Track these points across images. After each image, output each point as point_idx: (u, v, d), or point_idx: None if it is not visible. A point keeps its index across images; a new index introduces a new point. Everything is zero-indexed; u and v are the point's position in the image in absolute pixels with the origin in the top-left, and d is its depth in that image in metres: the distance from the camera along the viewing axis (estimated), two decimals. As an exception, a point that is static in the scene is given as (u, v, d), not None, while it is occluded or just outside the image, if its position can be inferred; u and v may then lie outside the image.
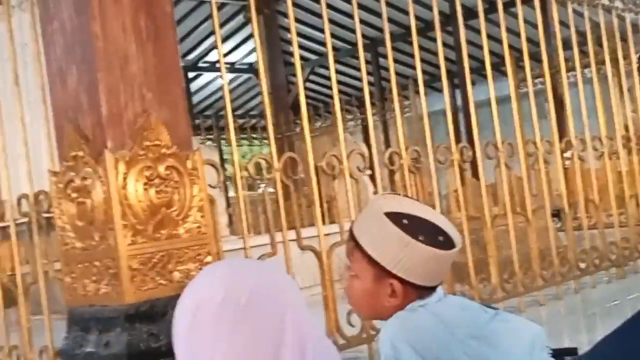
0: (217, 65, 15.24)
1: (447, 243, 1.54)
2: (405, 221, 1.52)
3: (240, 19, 12.67)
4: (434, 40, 4.10)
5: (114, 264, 2.24)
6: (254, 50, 14.28)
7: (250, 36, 13.83)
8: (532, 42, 4.73)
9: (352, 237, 1.57)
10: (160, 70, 2.35)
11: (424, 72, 3.91)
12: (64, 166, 2.36)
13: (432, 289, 1.59)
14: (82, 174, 2.29)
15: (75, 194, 2.33)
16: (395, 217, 1.53)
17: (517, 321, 1.65)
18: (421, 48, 3.91)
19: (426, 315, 1.55)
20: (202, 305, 1.10)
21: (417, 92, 11.06)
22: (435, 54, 4.06)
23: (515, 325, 1.63)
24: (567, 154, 4.68)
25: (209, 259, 2.37)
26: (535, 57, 5.59)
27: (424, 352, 1.49)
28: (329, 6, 3.63)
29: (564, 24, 4.75)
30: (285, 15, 13.35)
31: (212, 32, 13.87)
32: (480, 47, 4.29)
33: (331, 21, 3.48)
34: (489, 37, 4.26)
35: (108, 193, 2.22)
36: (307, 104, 3.46)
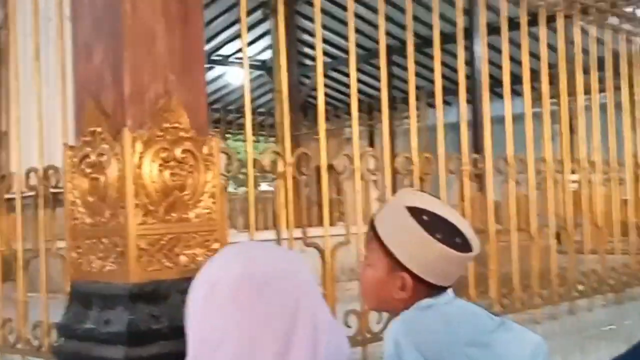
0: (230, 59, 15.27)
1: (463, 246, 1.55)
2: (425, 217, 1.54)
3: (257, 15, 12.69)
4: (449, 53, 4.11)
5: (122, 242, 2.24)
6: (268, 47, 14.32)
7: (265, 33, 13.87)
8: (549, 64, 4.73)
9: (372, 226, 1.60)
10: (185, 53, 2.35)
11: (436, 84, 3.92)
12: (81, 141, 2.36)
13: (442, 290, 1.60)
14: (99, 150, 2.29)
15: (89, 170, 2.33)
16: (416, 212, 1.54)
17: (521, 331, 1.66)
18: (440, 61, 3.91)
19: (434, 316, 1.56)
20: (219, 280, 1.11)
21: (428, 104, 11.03)
22: (449, 67, 4.06)
23: (518, 335, 1.64)
24: (575, 177, 4.68)
25: (216, 245, 2.36)
26: (551, 79, 5.61)
27: (427, 354, 1.50)
28: (344, 8, 3.62)
29: (583, 50, 4.77)
30: (303, 15, 13.41)
31: (227, 27, 13.91)
32: (494, 64, 4.30)
33: (347, 25, 3.49)
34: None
35: (123, 171, 2.22)
36: (316, 106, 3.46)
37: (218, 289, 1.10)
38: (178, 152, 2.28)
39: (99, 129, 2.29)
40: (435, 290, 1.59)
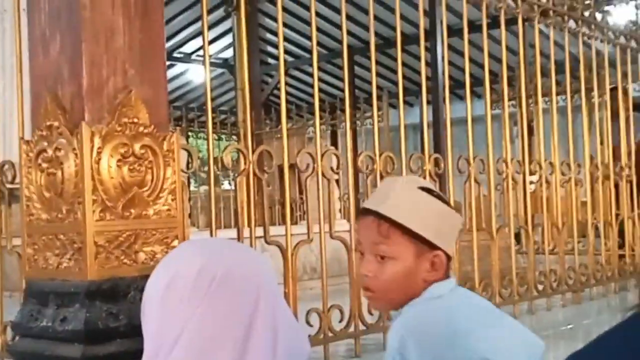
0: (192, 57, 15.17)
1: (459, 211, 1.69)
2: (435, 193, 1.59)
3: (219, 12, 12.61)
4: (409, 53, 4.12)
5: (79, 239, 2.20)
6: (230, 45, 14.25)
7: (228, 31, 13.79)
8: (508, 66, 4.77)
9: (385, 219, 1.55)
10: (145, 48, 2.32)
11: (397, 84, 3.92)
12: (37, 135, 2.31)
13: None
14: (56, 145, 2.24)
15: (46, 164, 2.28)
16: (428, 190, 1.59)
17: (520, 329, 1.66)
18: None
19: (438, 309, 1.55)
20: (177, 276, 1.09)
21: (391, 104, 11.10)
22: (411, 68, 4.08)
23: (518, 333, 1.64)
24: (534, 178, 4.73)
25: (176, 243, 2.33)
26: (510, 82, 5.67)
27: (429, 348, 1.49)
28: (308, 8, 3.61)
29: (542, 52, 4.81)
30: (265, 14, 13.39)
31: (189, 24, 13.83)
32: (455, 66, 4.32)
33: (310, 24, 3.47)
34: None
35: (80, 166, 2.17)
36: (279, 104, 3.44)
37: (175, 286, 1.07)
38: (137, 147, 2.25)
39: (56, 123, 2.24)
40: (448, 265, 1.62)
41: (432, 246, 1.56)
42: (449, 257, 1.60)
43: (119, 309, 2.20)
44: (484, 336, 1.52)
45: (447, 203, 1.60)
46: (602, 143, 5.53)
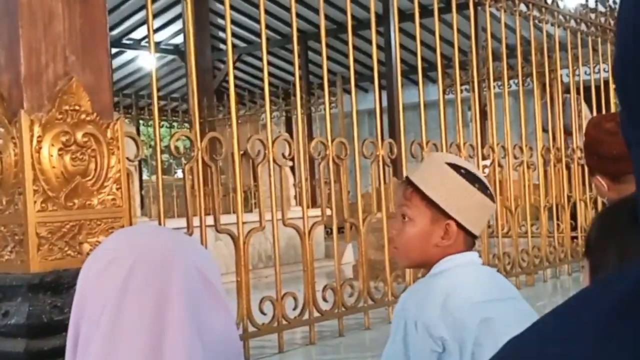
0: (142, 43, 14.97)
1: (492, 197, 1.76)
2: (463, 171, 1.74)
3: (170, -2, 12.45)
4: (363, 38, 4.09)
5: (20, 230, 2.13)
6: (180, 31, 14.08)
7: (178, 17, 13.62)
8: (461, 50, 4.77)
9: (409, 184, 1.75)
10: (86, 33, 2.25)
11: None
12: (-25, 124, 2.23)
13: (472, 242, 1.76)
14: (-6, 134, 2.16)
15: (-16, 154, 2.20)
16: (455, 167, 1.75)
17: (528, 313, 1.73)
18: (352, 46, 3.87)
19: (440, 284, 1.70)
20: (114, 261, 1.04)
21: (345, 90, 11.06)
22: (364, 53, 4.05)
23: (521, 315, 1.69)
24: (487, 162, 4.75)
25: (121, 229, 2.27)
26: (462, 66, 5.68)
27: (427, 322, 1.65)
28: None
29: (493, 36, 4.82)
30: (217, -1, 13.23)
31: (139, 9, 13.62)
32: (409, 51, 4.30)
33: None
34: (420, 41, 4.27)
35: (20, 156, 2.10)
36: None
37: (112, 268, 1.02)
38: (79, 135, 2.18)
39: (-7, 112, 2.16)
40: (469, 238, 1.74)
41: (448, 216, 1.71)
42: (466, 231, 1.73)
43: (63, 302, 2.14)
44: (486, 315, 1.64)
45: (476, 183, 1.73)
46: (544, 130, 5.55)
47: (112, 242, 1.07)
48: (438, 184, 1.74)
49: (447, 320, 1.64)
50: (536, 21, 5.04)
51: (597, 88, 5.60)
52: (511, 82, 6.23)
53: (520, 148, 4.78)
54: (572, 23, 5.37)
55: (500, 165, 4.62)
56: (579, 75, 5.63)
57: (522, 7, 4.87)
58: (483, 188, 1.73)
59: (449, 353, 1.64)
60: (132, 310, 1.00)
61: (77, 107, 2.18)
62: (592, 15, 5.61)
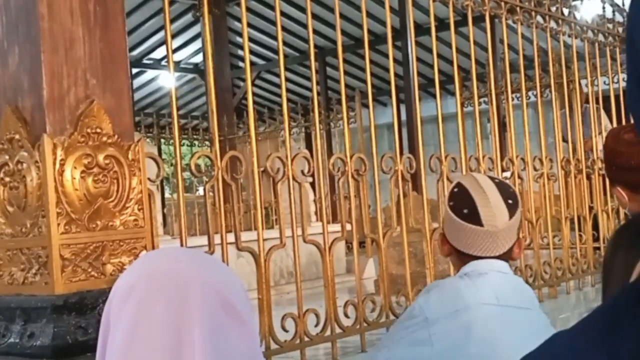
0: (162, 63, 15.09)
1: (470, 217, 1.81)
2: (455, 189, 1.86)
3: (188, 17, 12.55)
4: (381, 53, 4.11)
5: (44, 253, 2.16)
6: (200, 50, 14.19)
7: (197, 36, 13.73)
8: (478, 62, 4.78)
9: None
10: (106, 57, 2.28)
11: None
12: (-2, 149, 2.27)
13: (472, 257, 1.86)
14: (18, 158, 2.20)
15: (8, 178, 2.24)
16: (455, 185, 1.88)
17: (532, 327, 1.81)
18: (370, 61, 3.89)
19: (451, 284, 1.86)
20: (138, 284, 1.04)
21: (363, 104, 11.13)
22: (382, 67, 4.07)
23: (521, 326, 1.80)
24: (507, 174, 4.74)
25: (144, 253, 2.30)
26: (480, 78, 5.68)
27: (433, 308, 1.81)
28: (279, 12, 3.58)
29: (511, 47, 4.83)
30: (235, 17, 13.34)
31: (159, 29, 13.74)
32: (427, 64, 4.32)
33: (281, 28, 3.44)
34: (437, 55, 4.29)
35: (44, 179, 2.14)
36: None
37: (134, 294, 1.03)
38: (101, 158, 2.21)
39: (16, 136, 2.20)
40: (463, 255, 1.86)
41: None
42: (456, 250, 1.87)
43: (87, 323, 2.17)
44: (480, 319, 1.78)
45: (456, 198, 1.85)
46: (564, 140, 5.53)
47: (130, 272, 1.07)
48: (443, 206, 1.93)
49: (450, 317, 1.76)
50: (553, 33, 5.04)
51: (617, 97, 5.58)
52: (530, 93, 6.22)
53: (540, 160, 4.77)
54: (590, 34, 5.37)
55: (520, 178, 4.61)
56: (597, 85, 5.62)
57: (539, 19, 4.88)
58: (457, 206, 1.84)
59: (439, 349, 1.76)
60: (150, 344, 0.99)
61: (98, 130, 2.21)
62: (610, 26, 5.60)
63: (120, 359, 0.98)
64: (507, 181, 2.04)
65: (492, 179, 1.93)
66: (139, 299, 1.00)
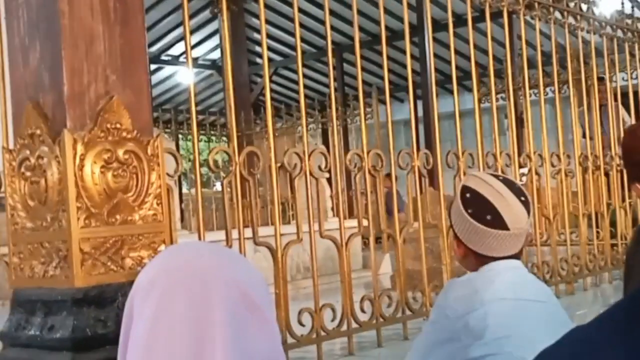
0: (180, 59, 15.15)
1: (494, 222, 1.83)
2: (467, 195, 1.87)
3: (206, 14, 12.59)
4: (398, 49, 4.12)
5: (64, 246, 2.19)
6: (217, 46, 14.24)
7: (215, 32, 13.78)
8: (496, 59, 4.77)
9: None
10: (126, 53, 2.31)
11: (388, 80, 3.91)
12: (19, 144, 2.30)
13: (492, 258, 1.89)
14: (38, 153, 2.23)
15: (29, 173, 2.27)
16: (463, 190, 1.89)
17: (541, 325, 1.82)
18: (387, 57, 3.90)
19: (467, 282, 1.90)
20: (158, 278, 1.05)
21: (380, 100, 11.13)
22: (399, 63, 4.08)
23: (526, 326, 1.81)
24: (525, 170, 4.73)
25: (162, 247, 2.32)
26: (498, 74, 5.67)
27: (453, 305, 1.88)
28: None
29: (529, 43, 4.81)
30: (252, 14, 13.37)
31: (177, 26, 13.80)
32: (444, 60, 4.32)
33: (299, 24, 3.45)
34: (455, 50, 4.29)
35: (64, 174, 2.16)
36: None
37: (156, 288, 1.04)
38: (121, 153, 2.24)
39: (37, 131, 2.23)
40: (482, 257, 1.88)
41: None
42: (470, 250, 1.89)
43: (107, 316, 2.19)
44: (482, 315, 1.80)
45: (470, 208, 1.85)
46: (584, 136, 5.51)
47: (152, 267, 1.07)
48: (452, 206, 1.94)
49: (471, 312, 1.80)
50: (571, 28, 5.02)
51: (635, 93, 5.55)
52: (547, 89, 6.21)
53: (558, 156, 4.76)
54: (608, 29, 5.34)
55: (537, 174, 4.60)
56: (616, 81, 5.59)
57: (557, 14, 4.86)
58: (478, 212, 1.85)
59: (466, 343, 1.80)
60: (171, 338, 0.98)
61: (118, 125, 2.24)
62: (629, 21, 5.57)
63: (142, 352, 0.99)
64: (513, 177, 2.09)
65: (496, 177, 1.95)
66: (161, 293, 1.01)
